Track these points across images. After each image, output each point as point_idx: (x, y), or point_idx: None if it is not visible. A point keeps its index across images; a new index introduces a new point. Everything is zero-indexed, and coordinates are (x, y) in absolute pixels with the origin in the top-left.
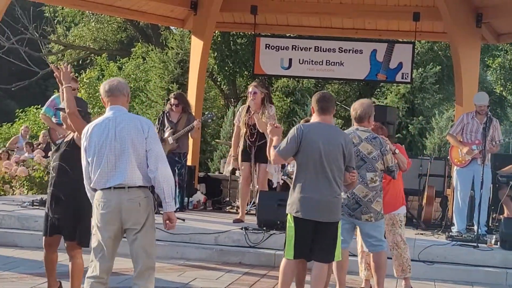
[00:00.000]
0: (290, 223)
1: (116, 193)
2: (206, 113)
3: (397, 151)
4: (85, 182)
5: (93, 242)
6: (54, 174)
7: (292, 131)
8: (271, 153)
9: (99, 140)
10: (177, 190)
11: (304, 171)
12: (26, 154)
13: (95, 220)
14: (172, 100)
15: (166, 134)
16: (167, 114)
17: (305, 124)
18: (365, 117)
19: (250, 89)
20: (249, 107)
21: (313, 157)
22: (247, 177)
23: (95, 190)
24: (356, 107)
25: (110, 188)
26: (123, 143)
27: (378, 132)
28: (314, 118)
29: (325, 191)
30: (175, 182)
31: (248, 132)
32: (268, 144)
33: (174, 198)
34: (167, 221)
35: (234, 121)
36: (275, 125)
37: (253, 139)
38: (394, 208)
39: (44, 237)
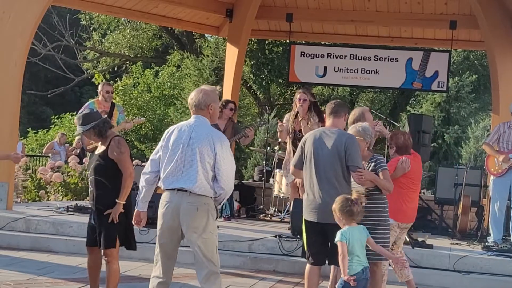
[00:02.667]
0: (304, 227)
1: (179, 195)
2: (258, 120)
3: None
4: (142, 173)
5: (157, 243)
6: (92, 188)
7: (299, 144)
8: (290, 168)
9: (174, 142)
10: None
11: (307, 176)
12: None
13: (158, 218)
14: (230, 105)
15: None
16: None
17: (309, 133)
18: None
19: (298, 95)
20: (297, 113)
21: (311, 161)
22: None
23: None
24: (350, 115)
25: (174, 189)
26: (193, 152)
27: (392, 140)
28: (326, 123)
29: (323, 193)
30: None
31: (292, 139)
32: None
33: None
34: None
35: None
36: None
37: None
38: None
39: (86, 246)
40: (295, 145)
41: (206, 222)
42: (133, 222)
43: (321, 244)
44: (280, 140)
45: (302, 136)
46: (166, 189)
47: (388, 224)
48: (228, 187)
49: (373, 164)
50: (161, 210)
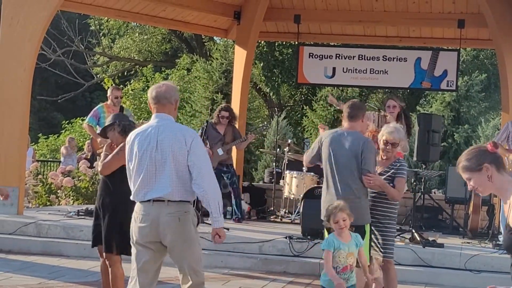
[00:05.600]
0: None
1: (156, 207)
2: (261, 125)
3: None
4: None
5: (132, 256)
6: (99, 187)
7: (316, 140)
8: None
9: (140, 149)
10: (234, 200)
11: (325, 176)
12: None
13: (132, 233)
14: (223, 113)
15: (215, 146)
16: (213, 125)
17: (326, 132)
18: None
19: (388, 102)
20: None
21: (328, 162)
22: None
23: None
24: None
25: (149, 200)
26: (164, 155)
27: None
28: (343, 124)
29: (338, 194)
30: (230, 192)
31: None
32: None
33: (222, 212)
34: (216, 236)
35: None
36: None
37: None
38: None
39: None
40: None
41: (189, 232)
42: None
43: None
44: None
45: None
46: (140, 202)
47: (393, 229)
48: (208, 185)
49: (393, 169)
50: (136, 225)
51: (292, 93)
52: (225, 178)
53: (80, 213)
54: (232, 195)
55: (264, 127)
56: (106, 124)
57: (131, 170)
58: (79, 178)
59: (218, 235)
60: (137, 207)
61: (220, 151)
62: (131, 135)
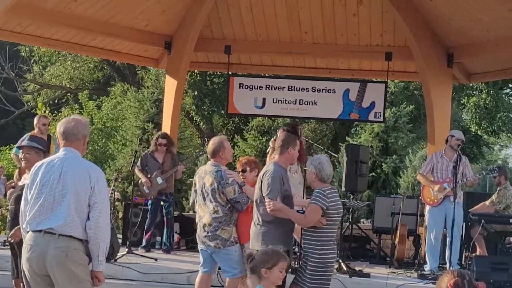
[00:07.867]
0: None
1: (46, 238)
2: (197, 151)
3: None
4: (20, 224)
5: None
6: (9, 218)
7: None
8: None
9: (42, 178)
10: (166, 230)
11: None
12: None
13: (22, 263)
14: (160, 140)
15: (154, 175)
16: (151, 154)
17: None
18: (217, 152)
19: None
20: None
21: None
22: None
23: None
24: (209, 144)
25: (41, 231)
26: (65, 187)
27: (251, 166)
28: (274, 156)
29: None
30: (163, 222)
31: None
32: None
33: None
34: (95, 279)
35: None
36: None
37: None
38: (246, 240)
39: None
40: None
41: (76, 269)
42: None
43: None
44: None
45: None
46: (32, 231)
47: (318, 264)
48: (103, 227)
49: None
50: (25, 255)
51: (225, 122)
52: (163, 207)
53: (6, 244)
54: (164, 225)
55: (201, 153)
56: (25, 143)
57: (29, 200)
58: (7, 208)
59: (98, 278)
60: (28, 236)
61: (159, 180)
62: (37, 164)
